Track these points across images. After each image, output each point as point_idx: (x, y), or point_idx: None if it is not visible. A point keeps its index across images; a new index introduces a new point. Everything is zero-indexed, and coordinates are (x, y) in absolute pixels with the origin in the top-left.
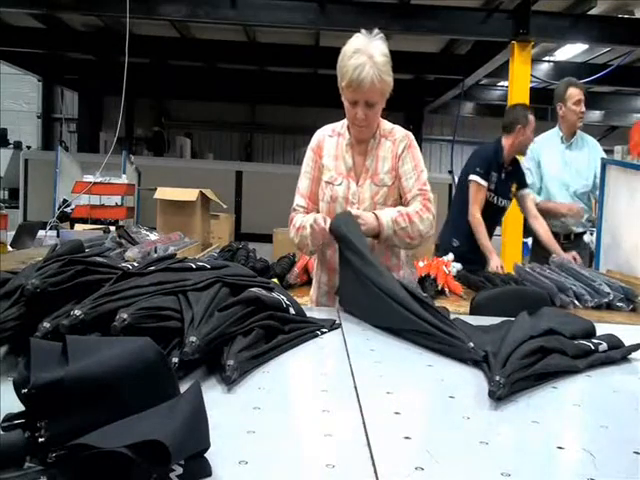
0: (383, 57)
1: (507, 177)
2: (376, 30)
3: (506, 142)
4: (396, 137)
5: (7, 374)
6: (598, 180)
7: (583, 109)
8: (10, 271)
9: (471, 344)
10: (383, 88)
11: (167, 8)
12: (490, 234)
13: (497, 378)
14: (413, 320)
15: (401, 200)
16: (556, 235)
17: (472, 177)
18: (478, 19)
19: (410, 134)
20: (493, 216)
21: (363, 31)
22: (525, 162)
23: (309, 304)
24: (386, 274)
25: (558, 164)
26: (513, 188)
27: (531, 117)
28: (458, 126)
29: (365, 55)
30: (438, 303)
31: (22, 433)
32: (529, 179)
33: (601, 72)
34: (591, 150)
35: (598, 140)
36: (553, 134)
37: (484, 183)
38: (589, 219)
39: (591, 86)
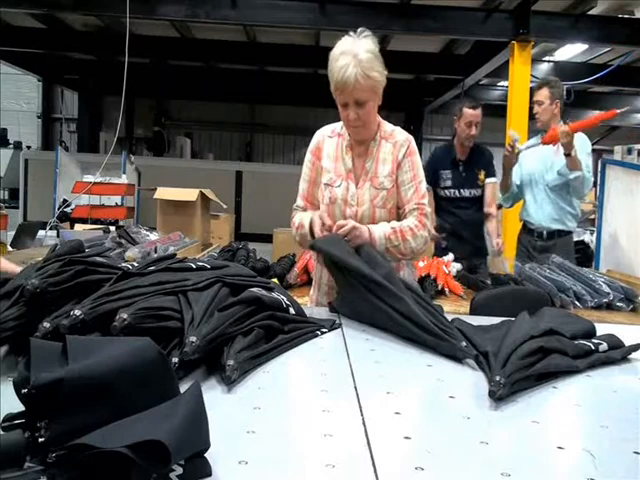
0: (368, 54)
1: (466, 168)
2: (361, 29)
3: (455, 136)
4: (397, 139)
5: (7, 374)
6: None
7: (538, 109)
8: None
9: (463, 343)
10: (371, 84)
11: (167, 8)
12: (473, 222)
13: (497, 378)
14: (410, 321)
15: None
16: (531, 232)
17: None
18: (478, 19)
19: (411, 138)
20: (466, 207)
21: (351, 32)
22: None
23: (309, 304)
24: (385, 283)
25: (534, 160)
26: (481, 175)
27: (465, 110)
28: None
29: (350, 55)
30: (438, 303)
31: (22, 433)
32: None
33: (601, 72)
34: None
35: (598, 140)
36: (537, 134)
37: (429, 187)
38: (573, 215)
39: (591, 86)
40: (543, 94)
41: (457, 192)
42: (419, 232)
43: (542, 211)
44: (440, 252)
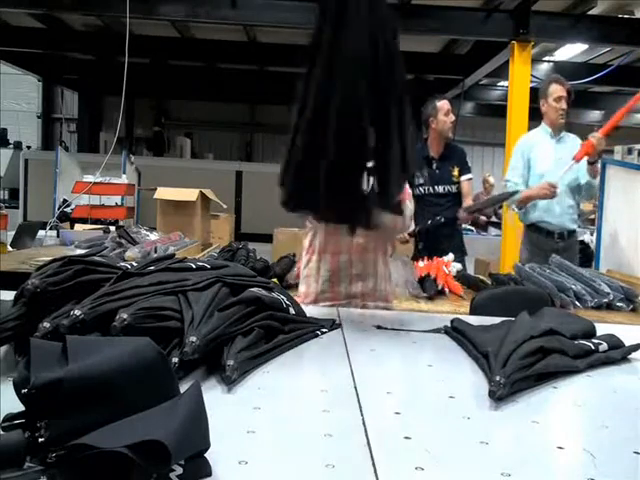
0: None
1: (441, 164)
2: None
3: (429, 136)
4: None
5: (7, 374)
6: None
7: (564, 106)
8: (11, 271)
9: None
10: None
11: (167, 8)
12: (449, 217)
13: (497, 378)
14: None
15: None
16: (550, 233)
17: None
18: (478, 19)
19: None
20: (441, 204)
21: None
22: (512, 161)
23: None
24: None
25: (550, 159)
26: (455, 172)
27: (439, 103)
28: (458, 126)
29: None
30: (438, 303)
31: (22, 433)
32: (514, 177)
33: (601, 72)
34: (576, 145)
35: None
36: (541, 130)
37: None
38: (580, 215)
39: (591, 86)
40: (563, 90)
41: (431, 189)
42: None
43: (563, 212)
44: (420, 252)
